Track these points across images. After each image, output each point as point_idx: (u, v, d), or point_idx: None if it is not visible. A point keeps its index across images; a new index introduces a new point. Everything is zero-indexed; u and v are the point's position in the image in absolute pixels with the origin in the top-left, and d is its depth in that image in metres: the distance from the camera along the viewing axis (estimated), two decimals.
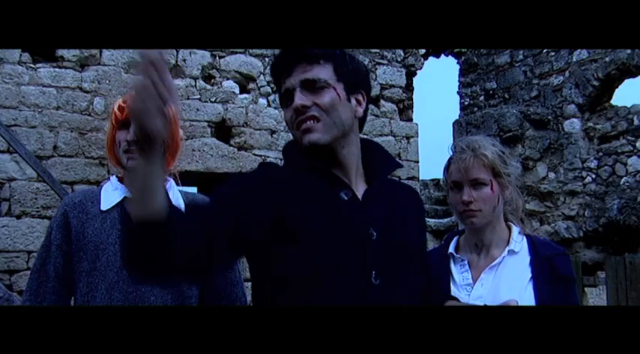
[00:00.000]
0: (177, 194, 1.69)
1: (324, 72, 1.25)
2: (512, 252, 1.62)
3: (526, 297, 1.55)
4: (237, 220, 1.13)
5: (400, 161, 6.32)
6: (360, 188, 1.28)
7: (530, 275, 1.58)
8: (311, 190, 1.23)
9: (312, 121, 1.23)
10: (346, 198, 1.24)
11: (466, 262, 1.65)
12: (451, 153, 1.69)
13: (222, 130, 5.60)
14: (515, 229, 1.67)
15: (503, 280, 1.59)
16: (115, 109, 1.59)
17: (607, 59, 6.73)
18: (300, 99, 1.23)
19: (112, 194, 1.63)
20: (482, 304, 1.56)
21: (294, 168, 1.29)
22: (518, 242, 1.64)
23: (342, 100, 1.25)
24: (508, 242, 1.64)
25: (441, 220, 7.30)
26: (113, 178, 1.68)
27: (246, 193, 1.19)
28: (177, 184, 1.72)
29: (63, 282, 1.57)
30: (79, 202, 1.61)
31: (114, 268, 1.53)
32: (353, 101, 1.29)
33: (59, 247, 1.57)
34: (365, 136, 1.41)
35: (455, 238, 1.72)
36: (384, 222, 1.24)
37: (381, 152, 1.38)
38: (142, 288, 1.53)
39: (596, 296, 6.45)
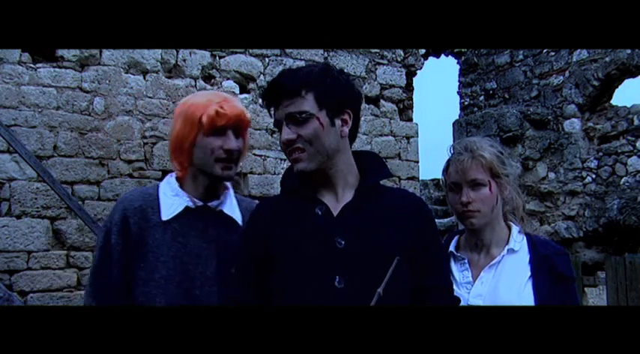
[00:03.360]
0: (234, 201, 1.64)
1: (305, 103, 1.35)
2: (511, 251, 1.63)
3: (525, 295, 1.56)
4: (257, 282, 1.40)
5: (400, 161, 6.34)
6: (346, 199, 1.40)
7: (529, 274, 1.59)
8: (292, 211, 1.42)
9: (298, 152, 1.37)
10: (320, 213, 1.39)
11: (466, 261, 1.66)
12: (450, 154, 1.70)
13: None
14: (514, 229, 1.68)
15: (503, 279, 1.59)
16: (213, 113, 1.50)
17: (607, 59, 6.73)
18: (286, 134, 1.37)
19: (172, 201, 1.56)
20: (481, 302, 1.57)
21: (283, 191, 1.49)
22: (518, 241, 1.65)
23: (325, 128, 1.36)
24: (508, 241, 1.65)
25: (441, 220, 7.30)
26: (172, 180, 1.61)
27: (250, 257, 1.42)
28: (241, 187, 1.70)
29: (125, 288, 1.53)
30: (139, 208, 1.55)
31: (174, 282, 1.50)
32: (338, 123, 1.39)
33: (122, 253, 1.53)
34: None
35: (455, 238, 1.73)
36: (357, 231, 1.35)
37: (371, 164, 1.47)
38: (200, 303, 1.50)
39: (596, 296, 6.45)
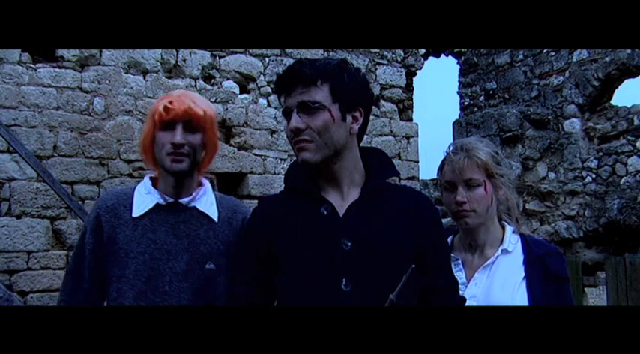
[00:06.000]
0: (211, 198, 1.64)
1: (320, 94, 1.32)
2: (505, 251, 1.63)
3: (519, 296, 1.56)
4: (260, 281, 1.37)
5: (400, 161, 6.34)
6: (351, 198, 1.37)
7: (523, 275, 1.59)
8: (295, 209, 1.38)
9: (304, 142, 1.33)
10: (325, 213, 1.35)
11: (460, 262, 1.66)
12: (445, 154, 1.70)
13: (222, 130, 5.60)
14: (508, 229, 1.68)
15: (497, 280, 1.59)
16: (160, 109, 1.53)
17: (607, 59, 6.73)
18: (295, 121, 1.32)
19: (144, 199, 1.59)
20: (475, 303, 1.56)
21: (287, 189, 1.45)
22: (512, 242, 1.65)
23: (335, 121, 1.33)
24: (502, 242, 1.65)
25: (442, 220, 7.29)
26: (147, 180, 1.64)
27: (252, 256, 1.39)
28: (214, 186, 1.70)
29: (96, 285, 1.57)
30: (111, 206, 1.59)
31: (142, 277, 1.51)
32: (349, 119, 1.36)
33: (92, 251, 1.57)
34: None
35: (449, 238, 1.73)
36: (363, 232, 1.33)
37: (378, 162, 1.44)
38: (170, 299, 1.51)
39: (596, 296, 6.45)
